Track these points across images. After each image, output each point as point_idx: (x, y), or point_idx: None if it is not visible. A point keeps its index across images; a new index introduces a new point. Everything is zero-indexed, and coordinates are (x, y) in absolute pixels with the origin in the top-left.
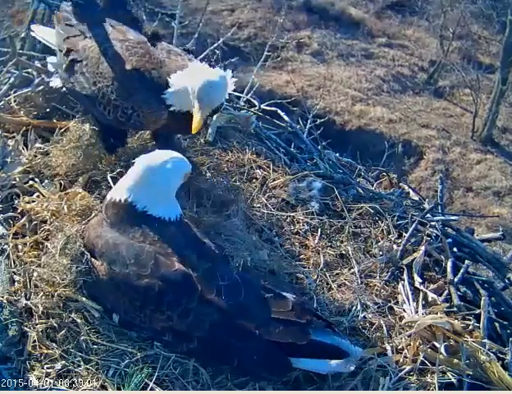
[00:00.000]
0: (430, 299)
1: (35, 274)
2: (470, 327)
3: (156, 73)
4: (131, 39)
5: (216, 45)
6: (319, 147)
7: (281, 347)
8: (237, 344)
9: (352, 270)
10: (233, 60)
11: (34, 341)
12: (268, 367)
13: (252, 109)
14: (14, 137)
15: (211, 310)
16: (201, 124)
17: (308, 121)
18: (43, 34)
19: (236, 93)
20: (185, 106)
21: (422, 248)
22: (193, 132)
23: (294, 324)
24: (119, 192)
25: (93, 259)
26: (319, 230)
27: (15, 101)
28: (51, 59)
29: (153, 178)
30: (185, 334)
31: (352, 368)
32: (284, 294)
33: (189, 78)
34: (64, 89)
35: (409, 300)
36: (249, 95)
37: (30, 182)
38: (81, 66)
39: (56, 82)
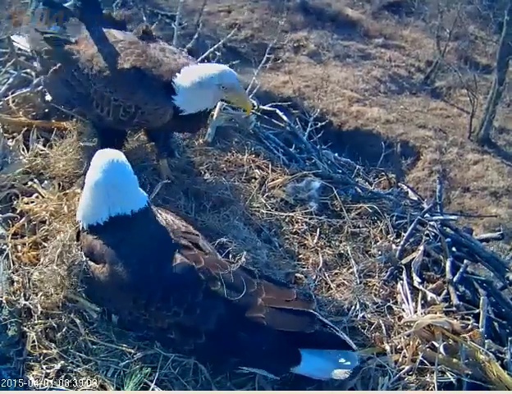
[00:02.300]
0: (429, 298)
1: (34, 275)
2: (469, 326)
3: (156, 71)
4: (123, 40)
5: (216, 47)
6: (318, 147)
7: (288, 337)
8: (246, 335)
9: (351, 270)
10: (234, 62)
11: (34, 342)
12: (278, 357)
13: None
14: (14, 137)
15: (217, 303)
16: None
17: (309, 125)
18: (24, 42)
19: None
20: (195, 107)
21: (421, 247)
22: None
23: (300, 313)
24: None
25: (92, 263)
26: (318, 230)
27: (13, 101)
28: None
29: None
30: (193, 329)
31: (346, 375)
32: (287, 283)
33: (194, 74)
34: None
35: (407, 299)
36: (250, 97)
37: (29, 183)
38: (71, 71)
39: (49, 96)
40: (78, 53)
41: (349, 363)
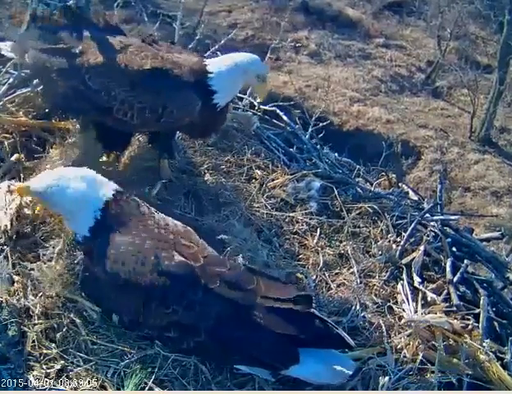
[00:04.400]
0: (429, 298)
1: (34, 274)
2: (469, 326)
3: (177, 71)
4: (131, 45)
5: (216, 47)
6: (318, 147)
7: (287, 335)
8: (244, 334)
9: (351, 270)
10: None
11: (34, 342)
12: (276, 356)
13: (252, 110)
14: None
15: (216, 301)
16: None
17: (310, 127)
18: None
19: (238, 94)
20: (230, 97)
21: (422, 247)
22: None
23: (299, 312)
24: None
25: (91, 262)
26: (318, 230)
27: (14, 102)
28: None
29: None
30: (192, 327)
31: (342, 381)
32: (285, 281)
33: (231, 65)
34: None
35: (408, 299)
36: (252, 97)
37: None
38: (83, 82)
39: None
40: (88, 63)
41: (345, 370)
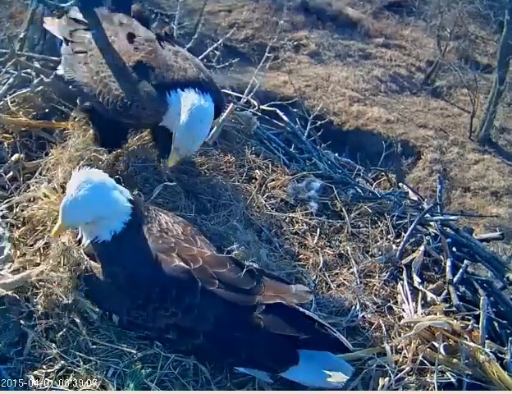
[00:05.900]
0: (429, 299)
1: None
2: (469, 326)
3: (160, 72)
4: (139, 36)
5: (215, 46)
6: (318, 147)
7: (285, 337)
8: (243, 335)
9: (351, 270)
10: (234, 61)
11: (34, 342)
12: (275, 358)
13: (251, 110)
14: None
15: (215, 303)
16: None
17: (308, 124)
18: (54, 25)
19: (236, 94)
20: (169, 123)
21: (422, 248)
22: (168, 166)
23: (298, 315)
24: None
25: (92, 263)
26: (318, 230)
27: (13, 102)
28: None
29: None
30: (190, 330)
31: (339, 385)
32: (284, 279)
33: (190, 103)
34: (66, 78)
35: (408, 299)
36: (250, 96)
37: (31, 187)
38: (86, 57)
39: (61, 71)
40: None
41: (343, 374)
